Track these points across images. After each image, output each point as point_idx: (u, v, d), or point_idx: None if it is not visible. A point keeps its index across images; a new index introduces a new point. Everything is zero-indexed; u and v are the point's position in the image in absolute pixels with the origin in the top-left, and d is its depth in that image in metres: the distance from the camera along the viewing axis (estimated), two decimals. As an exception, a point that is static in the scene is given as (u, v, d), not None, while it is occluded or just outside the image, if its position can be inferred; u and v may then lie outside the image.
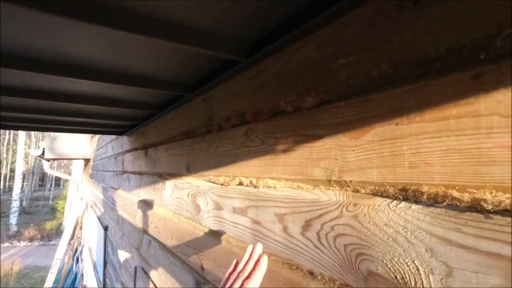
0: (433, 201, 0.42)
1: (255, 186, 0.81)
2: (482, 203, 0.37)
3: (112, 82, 0.99)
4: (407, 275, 0.45)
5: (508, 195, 0.35)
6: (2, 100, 1.31)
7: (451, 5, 0.41)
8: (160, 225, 1.57)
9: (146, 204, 1.84)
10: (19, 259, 11.10)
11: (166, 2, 0.58)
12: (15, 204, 16.14)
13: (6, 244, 13.78)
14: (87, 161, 6.35)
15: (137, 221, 2.01)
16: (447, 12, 0.42)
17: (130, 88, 1.10)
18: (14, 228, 15.38)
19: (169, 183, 1.47)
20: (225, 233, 0.96)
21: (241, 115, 0.90)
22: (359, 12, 0.55)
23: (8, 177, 25.28)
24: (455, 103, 0.40)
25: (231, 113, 0.96)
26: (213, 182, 1.05)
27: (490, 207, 0.36)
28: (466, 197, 0.38)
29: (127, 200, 2.38)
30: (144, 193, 1.91)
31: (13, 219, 15.72)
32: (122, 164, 2.67)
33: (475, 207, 0.38)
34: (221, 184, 0.99)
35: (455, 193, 0.39)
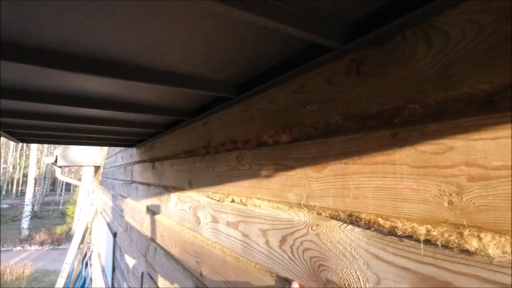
0: (368, 226, 0.55)
1: (245, 204, 0.95)
2: (396, 229, 0.50)
3: (124, 110, 1.15)
4: (352, 283, 0.58)
5: (413, 224, 0.48)
6: (26, 122, 1.49)
7: (378, 79, 0.55)
8: (165, 234, 1.71)
9: (153, 214, 1.99)
10: (30, 262, 11.40)
11: (175, 60, 0.73)
12: (27, 209, 16.57)
13: (18, 248, 14.15)
14: (97, 168, 6.58)
15: (145, 229, 2.16)
16: (377, 84, 0.55)
17: (139, 114, 1.26)
18: (25, 232, 15.78)
19: (174, 196, 1.62)
20: (220, 243, 1.10)
21: (234, 142, 1.04)
22: (321, 71, 0.68)
23: (20, 182, 25.98)
24: (381, 152, 0.53)
25: (225, 139, 1.10)
26: (211, 198, 1.19)
27: (400, 233, 0.49)
28: (387, 224, 0.51)
29: (135, 209, 2.54)
30: (151, 203, 2.06)
31: (25, 223, 16.14)
32: (131, 174, 2.84)
33: (393, 232, 0.51)
34: (218, 200, 1.13)
35: (381, 221, 0.52)
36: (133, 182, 2.75)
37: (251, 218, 0.91)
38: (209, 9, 0.48)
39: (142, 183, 2.37)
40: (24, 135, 2.04)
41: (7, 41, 0.60)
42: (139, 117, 1.45)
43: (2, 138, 2.26)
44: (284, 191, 0.78)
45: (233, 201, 1.02)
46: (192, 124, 1.44)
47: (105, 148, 5.33)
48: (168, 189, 1.73)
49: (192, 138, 1.43)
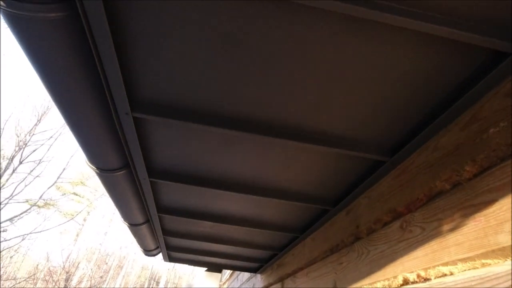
0: None
1: (425, 279, 0.75)
2: None
3: (258, 226, 1.26)
4: None
5: None
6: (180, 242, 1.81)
7: None
8: None
9: None
10: None
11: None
12: None
13: None
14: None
15: None
16: None
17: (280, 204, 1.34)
18: None
19: (312, 311, 1.38)
20: None
21: (392, 211, 0.94)
22: (498, 87, 0.66)
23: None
24: None
25: (380, 214, 1.01)
26: (368, 293, 0.98)
27: None
28: None
29: None
30: (279, 333, 1.77)
31: None
32: (253, 306, 2.62)
33: None
34: (380, 291, 0.92)
35: None
36: (255, 315, 2.50)
37: (441, 295, 0.69)
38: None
39: (268, 312, 2.13)
40: (172, 255, 2.37)
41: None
42: (275, 218, 1.52)
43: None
44: (486, 237, 0.61)
45: (406, 281, 0.81)
46: (332, 219, 1.39)
47: (223, 290, 5.26)
48: (303, 305, 1.50)
49: (332, 233, 1.34)
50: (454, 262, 0.68)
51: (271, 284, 2.19)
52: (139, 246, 2.44)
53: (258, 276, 2.67)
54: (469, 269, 0.64)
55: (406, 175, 0.91)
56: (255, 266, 2.55)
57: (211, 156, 1.07)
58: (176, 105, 0.86)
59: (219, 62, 0.71)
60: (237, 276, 4.01)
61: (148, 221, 1.82)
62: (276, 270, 2.15)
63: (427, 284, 0.74)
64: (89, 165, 1.28)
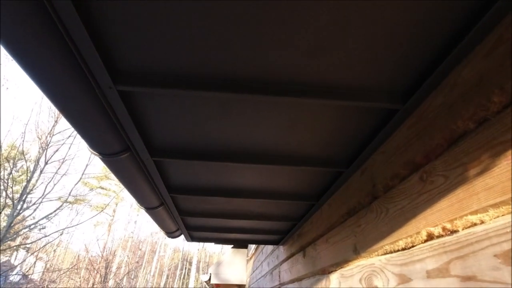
0: None
1: (452, 232, 0.67)
2: None
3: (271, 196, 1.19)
4: None
5: None
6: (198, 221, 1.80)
7: None
8: (329, 334, 1.35)
9: (309, 313, 1.67)
10: None
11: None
12: None
13: None
14: (242, 287, 6.57)
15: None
16: None
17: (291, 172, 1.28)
18: None
19: (334, 276, 1.35)
20: (422, 314, 0.75)
21: (410, 163, 0.85)
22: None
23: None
24: None
25: (396, 168, 0.92)
26: (389, 252, 0.92)
27: None
28: None
29: (286, 316, 2.22)
30: (305, 300, 1.77)
31: None
32: (279, 276, 2.66)
33: None
34: (402, 250, 0.85)
35: None
36: (281, 285, 2.53)
37: (471, 246, 0.61)
38: None
39: (292, 281, 2.14)
40: (193, 234, 2.39)
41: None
42: (288, 187, 1.46)
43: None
44: (523, 175, 0.52)
45: (430, 236, 0.74)
46: (347, 182, 1.31)
47: (250, 264, 5.42)
48: (325, 271, 1.47)
49: (349, 196, 1.28)
50: (484, 209, 0.60)
51: (293, 254, 2.18)
52: (161, 229, 2.49)
53: (281, 247, 2.68)
54: (502, 215, 0.56)
55: (423, 122, 0.81)
56: (276, 239, 2.55)
57: (211, 125, 1.01)
58: (163, 73, 0.79)
59: (201, 19, 0.63)
60: (262, 250, 4.08)
61: (163, 203, 1.82)
62: (297, 240, 2.13)
63: (454, 236, 0.66)
64: (91, 151, 1.25)
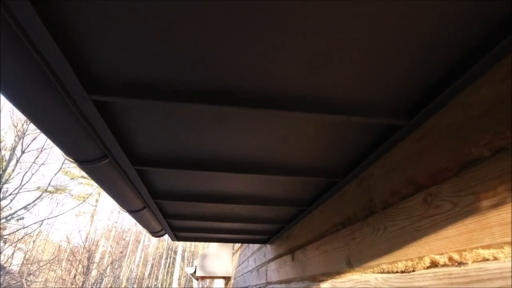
0: None
1: (460, 263, 0.63)
2: None
3: (262, 202, 1.12)
4: None
5: None
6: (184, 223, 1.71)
7: None
8: None
9: (298, 318, 1.65)
10: None
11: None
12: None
13: None
14: (227, 280, 6.60)
15: None
16: None
17: (283, 180, 1.21)
18: None
19: (325, 286, 1.32)
20: None
21: (412, 183, 0.81)
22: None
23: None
24: None
25: (397, 185, 0.88)
26: (387, 272, 0.88)
27: None
28: None
29: (273, 317, 2.21)
30: (294, 304, 1.75)
31: None
32: (266, 275, 2.64)
33: None
34: (402, 272, 0.82)
35: None
36: (268, 283, 2.52)
37: (482, 283, 0.57)
38: None
39: (280, 282, 2.12)
40: (179, 235, 2.31)
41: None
42: (278, 191, 1.41)
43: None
44: (547, 216, 0.47)
45: (434, 263, 0.70)
46: (341, 191, 1.27)
47: (236, 257, 5.42)
48: (316, 279, 1.45)
49: (343, 205, 1.23)
50: (499, 246, 0.55)
51: (281, 255, 2.15)
52: (144, 229, 2.40)
53: (268, 246, 2.65)
54: (520, 255, 0.51)
55: (428, 140, 0.76)
56: (264, 238, 2.52)
57: (201, 136, 0.92)
58: (146, 83, 0.69)
59: (186, 25, 0.54)
60: (248, 245, 4.06)
61: (146, 207, 1.73)
62: (285, 241, 2.10)
63: (462, 269, 0.62)
64: (66, 158, 1.14)
